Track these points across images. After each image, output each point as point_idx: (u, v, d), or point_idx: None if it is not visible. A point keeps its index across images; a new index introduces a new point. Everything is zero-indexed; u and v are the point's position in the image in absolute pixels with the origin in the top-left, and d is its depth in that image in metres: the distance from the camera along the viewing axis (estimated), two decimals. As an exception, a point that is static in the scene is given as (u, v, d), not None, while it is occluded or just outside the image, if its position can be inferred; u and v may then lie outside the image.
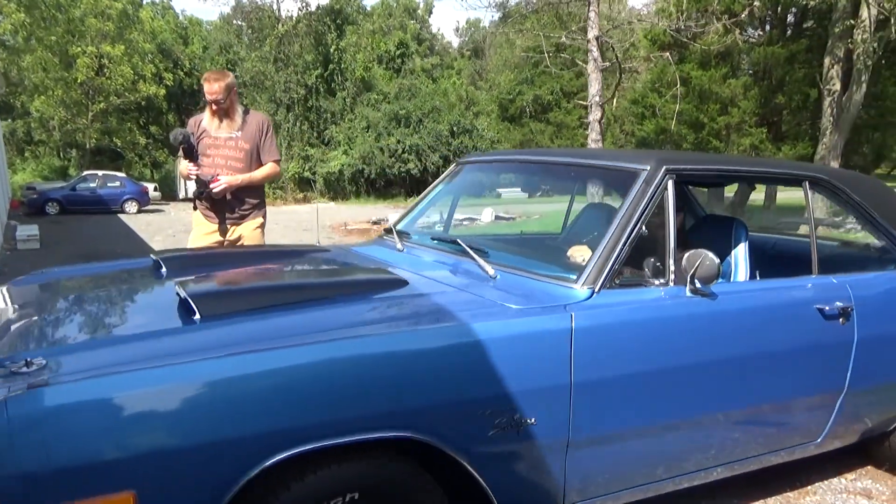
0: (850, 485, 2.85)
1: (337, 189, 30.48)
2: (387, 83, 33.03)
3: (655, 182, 2.10)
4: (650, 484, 2.09)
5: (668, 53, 12.99)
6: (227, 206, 3.62)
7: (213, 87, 3.49)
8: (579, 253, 2.26)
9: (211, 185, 3.50)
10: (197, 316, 1.71)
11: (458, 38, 53.50)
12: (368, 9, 40.68)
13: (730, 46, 13.66)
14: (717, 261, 1.97)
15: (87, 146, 27.97)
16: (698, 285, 2.01)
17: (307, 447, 1.47)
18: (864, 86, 12.67)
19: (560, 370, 1.78)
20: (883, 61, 13.65)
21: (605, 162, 2.49)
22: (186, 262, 2.51)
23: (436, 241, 2.69)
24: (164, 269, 2.35)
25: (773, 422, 2.34)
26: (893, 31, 10.77)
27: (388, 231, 2.93)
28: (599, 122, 11.29)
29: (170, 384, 1.41)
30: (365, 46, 34.64)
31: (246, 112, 3.69)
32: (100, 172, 21.02)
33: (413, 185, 29.81)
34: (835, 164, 13.80)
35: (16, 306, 2.11)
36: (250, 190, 3.67)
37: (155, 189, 22.84)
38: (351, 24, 33.98)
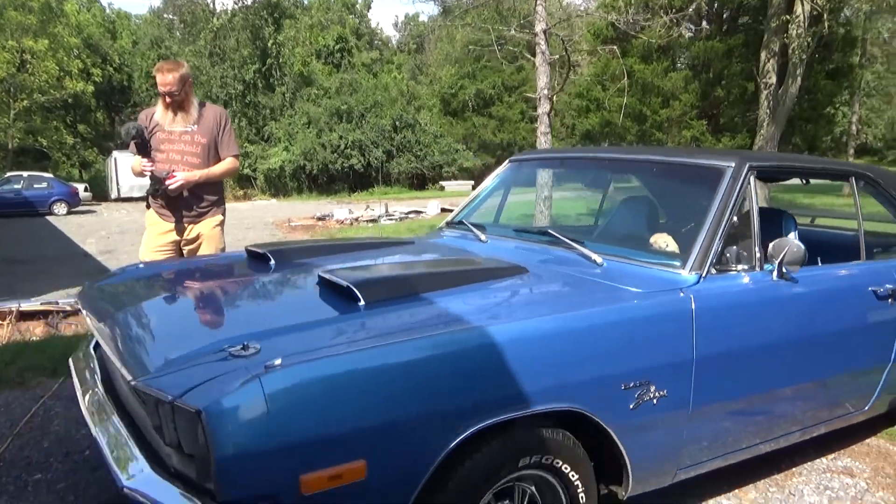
0: (832, 464, 2.90)
1: (278, 186, 29.86)
2: (327, 78, 32.52)
3: (742, 177, 2.33)
4: (739, 451, 2.33)
5: (614, 47, 13.16)
6: (183, 203, 3.40)
7: (166, 79, 3.26)
8: (662, 240, 2.46)
9: (166, 182, 3.27)
10: (361, 302, 1.83)
11: (398, 33, 53.19)
12: (306, 3, 39.96)
13: (670, 41, 13.95)
14: (804, 247, 2.21)
15: (10, 146, 26.45)
16: (785, 270, 2.25)
17: (497, 418, 1.62)
18: (799, 79, 13.12)
19: (686, 347, 1.99)
20: (816, 55, 14.20)
21: (693, 160, 2.64)
22: (290, 254, 2.61)
23: (519, 233, 2.87)
24: (272, 262, 2.48)
25: (838, 392, 2.64)
26: (826, 26, 11.18)
27: (451, 224, 3.12)
28: (548, 114, 11.33)
29: (386, 363, 1.53)
30: (303, 41, 34.04)
31: (202, 105, 3.47)
32: (25, 173, 19.93)
33: (357, 181, 29.48)
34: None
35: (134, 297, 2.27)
36: (208, 186, 3.45)
37: (85, 189, 21.83)
38: (289, 17, 33.31)
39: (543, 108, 11.31)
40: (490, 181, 3.36)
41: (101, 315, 2.09)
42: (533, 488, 1.84)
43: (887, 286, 2.61)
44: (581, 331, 1.84)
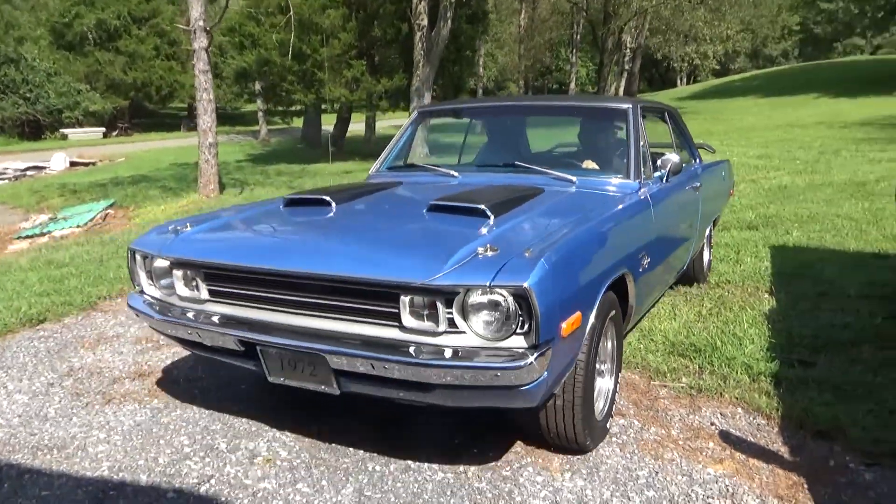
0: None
1: None
2: None
3: (638, 114, 3.54)
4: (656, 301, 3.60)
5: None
6: None
7: None
8: (590, 164, 3.57)
9: None
10: (491, 217, 2.50)
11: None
12: None
13: (327, -26, 13.36)
14: (679, 160, 3.46)
15: None
16: (670, 176, 3.47)
17: (618, 273, 2.63)
18: (450, 22, 13.76)
19: (650, 226, 3.15)
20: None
21: (593, 103, 4.33)
22: (342, 195, 3.11)
23: (482, 168, 3.80)
24: (332, 204, 2.95)
25: (682, 255, 3.95)
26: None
27: (392, 168, 3.88)
28: (206, 49, 9.89)
29: (588, 238, 2.52)
30: None
31: None
32: None
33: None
34: (428, 95, 14.92)
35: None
36: None
37: None
38: None
39: (200, 42, 9.82)
40: (403, 132, 4.10)
41: None
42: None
43: (695, 183, 4.11)
44: (625, 220, 2.93)
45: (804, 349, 3.49)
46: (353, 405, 2.93)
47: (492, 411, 2.58)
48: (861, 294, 4.30)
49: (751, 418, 2.86)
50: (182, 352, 3.61)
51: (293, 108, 16.96)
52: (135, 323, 4.13)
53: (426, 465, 2.54)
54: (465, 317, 2.11)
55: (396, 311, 2.18)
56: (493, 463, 2.54)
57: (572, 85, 46.90)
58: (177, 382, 3.38)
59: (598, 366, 2.61)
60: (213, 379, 3.41)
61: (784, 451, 2.60)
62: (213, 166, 10.39)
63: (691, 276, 4.59)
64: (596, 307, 2.40)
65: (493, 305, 2.07)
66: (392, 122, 22.82)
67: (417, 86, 14.38)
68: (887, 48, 47.00)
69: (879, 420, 2.74)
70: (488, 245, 2.16)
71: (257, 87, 19.59)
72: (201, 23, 9.74)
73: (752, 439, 2.69)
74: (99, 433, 2.83)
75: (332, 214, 2.89)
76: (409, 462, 2.55)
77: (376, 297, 2.21)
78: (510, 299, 2.04)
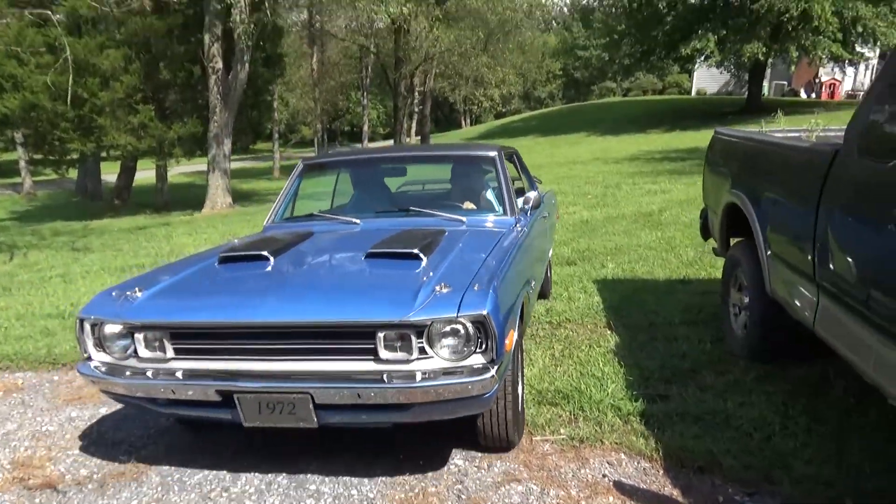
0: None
1: None
2: None
3: (503, 159, 4.38)
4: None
5: (26, 11, 10.64)
6: None
7: None
8: (469, 205, 4.21)
9: None
10: (423, 259, 3.04)
11: None
12: None
13: (103, 13, 12.15)
14: (539, 196, 4.38)
15: None
16: (530, 210, 4.17)
17: (524, 293, 3.36)
18: (248, 65, 13.22)
19: (530, 250, 3.85)
20: (261, 42, 14.53)
21: (467, 152, 4.84)
22: (271, 248, 3.38)
23: (379, 214, 4.22)
24: (270, 257, 3.24)
25: (542, 277, 4.82)
26: (269, 13, 11.43)
27: (286, 219, 4.34)
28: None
29: (505, 268, 3.00)
30: None
31: None
32: None
33: None
34: (228, 142, 14.15)
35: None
36: None
37: None
38: None
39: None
40: (291, 184, 4.44)
41: None
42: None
43: (544, 213, 4.81)
44: (515, 250, 3.37)
45: (657, 382, 3.70)
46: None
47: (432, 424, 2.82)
48: (684, 321, 4.70)
49: (635, 463, 2.92)
50: None
51: (68, 158, 15.06)
52: None
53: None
54: (431, 344, 2.53)
55: (373, 346, 2.55)
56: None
57: (365, 127, 47.70)
58: None
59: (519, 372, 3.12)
60: None
61: (675, 493, 2.67)
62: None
63: (542, 291, 5.30)
64: (517, 324, 2.93)
65: (455, 332, 2.52)
66: (184, 170, 21.29)
67: (216, 132, 13.59)
68: (635, 90, 54.13)
69: (742, 446, 2.94)
70: (442, 283, 2.60)
71: (19, 135, 17.23)
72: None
73: (644, 485, 2.74)
74: None
75: (275, 265, 3.18)
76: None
77: (354, 337, 2.57)
78: (470, 326, 2.49)
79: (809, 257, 2.92)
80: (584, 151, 22.52)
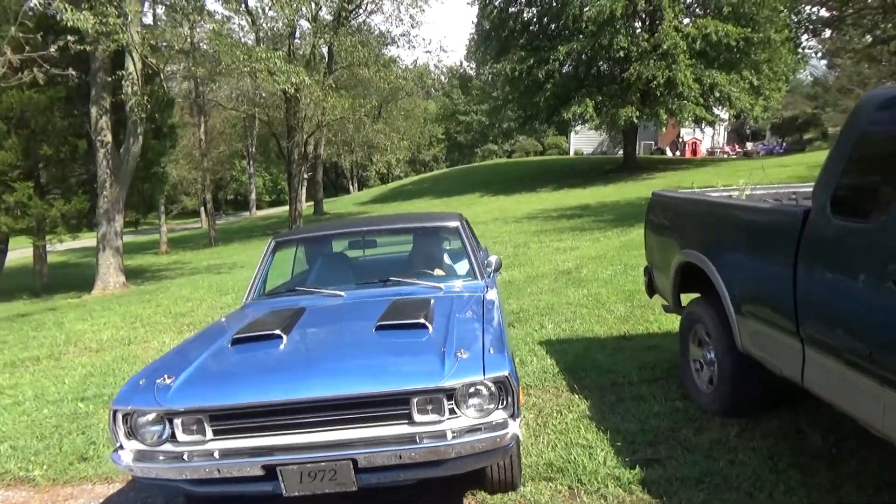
0: None
1: None
2: None
3: (465, 226, 4.97)
4: None
5: None
6: None
7: None
8: (438, 272, 4.58)
9: None
10: (430, 327, 3.35)
11: None
12: None
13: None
14: (499, 260, 4.81)
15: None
16: (494, 272, 4.66)
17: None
18: (141, 138, 12.56)
19: (490, 311, 3.74)
20: (155, 114, 13.86)
21: (433, 223, 5.24)
22: (278, 325, 3.53)
23: (360, 285, 4.45)
24: (282, 336, 3.38)
25: None
26: (163, 86, 10.99)
27: (267, 294, 4.54)
28: None
29: (501, 331, 3.44)
30: None
31: None
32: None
33: None
34: (119, 218, 13.26)
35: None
36: None
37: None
38: None
39: None
40: (264, 261, 4.67)
41: None
42: None
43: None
44: (496, 310, 3.78)
45: (642, 445, 3.69)
46: None
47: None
48: (643, 378, 4.77)
49: (655, 536, 2.85)
50: None
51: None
52: None
53: None
54: (458, 405, 2.81)
55: (407, 410, 2.79)
56: None
57: (252, 195, 46.55)
58: None
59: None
60: None
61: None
62: None
63: None
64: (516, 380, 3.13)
65: (479, 393, 2.83)
66: (64, 248, 19.68)
67: (106, 207, 12.72)
68: (518, 152, 56.69)
69: (750, 506, 2.96)
70: (461, 350, 2.95)
71: None
72: None
73: (674, 560, 2.67)
74: None
75: (290, 343, 3.33)
76: None
77: (392, 404, 2.80)
78: (493, 386, 2.82)
79: (789, 314, 3.04)
80: (482, 211, 23.07)
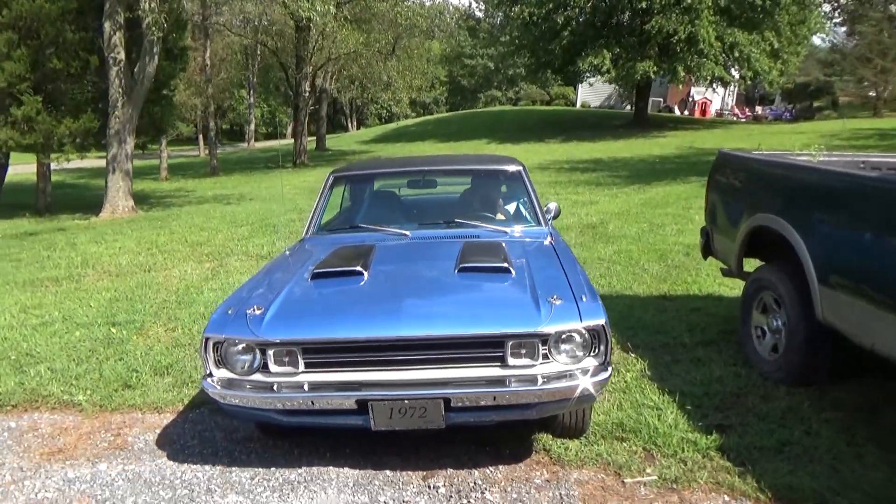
0: None
1: None
2: None
3: (526, 172, 4.79)
4: None
5: None
6: None
7: None
8: (500, 216, 4.59)
9: None
10: (512, 271, 3.36)
11: None
12: None
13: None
14: (558, 207, 5.02)
15: None
16: (553, 218, 4.74)
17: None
18: (157, 58, 12.11)
19: (569, 254, 3.87)
20: (172, 34, 13.35)
21: (496, 166, 5.20)
22: (357, 261, 3.55)
23: (424, 225, 4.43)
24: (363, 272, 3.39)
25: None
26: (185, 4, 10.51)
27: (327, 229, 4.58)
28: None
29: (582, 274, 3.47)
30: None
31: None
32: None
33: None
34: (130, 140, 12.91)
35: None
36: None
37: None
38: None
39: None
40: (322, 196, 4.66)
41: None
42: None
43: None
44: (568, 254, 3.89)
45: (711, 410, 3.63)
46: None
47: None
48: (696, 341, 4.70)
49: (746, 504, 2.81)
50: None
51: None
52: None
53: None
54: (552, 350, 2.82)
55: (501, 353, 2.80)
56: None
57: (252, 126, 45.68)
58: None
59: None
60: None
61: (805, 537, 2.58)
62: None
63: None
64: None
65: (572, 339, 2.84)
66: (57, 167, 19.22)
67: (118, 128, 12.36)
68: (524, 101, 55.79)
69: (840, 482, 2.91)
70: (554, 296, 2.95)
71: None
72: None
73: (770, 530, 2.63)
74: None
75: (372, 280, 3.31)
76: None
77: (486, 346, 2.82)
78: (587, 333, 2.83)
79: (893, 290, 2.94)
80: (490, 159, 22.72)
